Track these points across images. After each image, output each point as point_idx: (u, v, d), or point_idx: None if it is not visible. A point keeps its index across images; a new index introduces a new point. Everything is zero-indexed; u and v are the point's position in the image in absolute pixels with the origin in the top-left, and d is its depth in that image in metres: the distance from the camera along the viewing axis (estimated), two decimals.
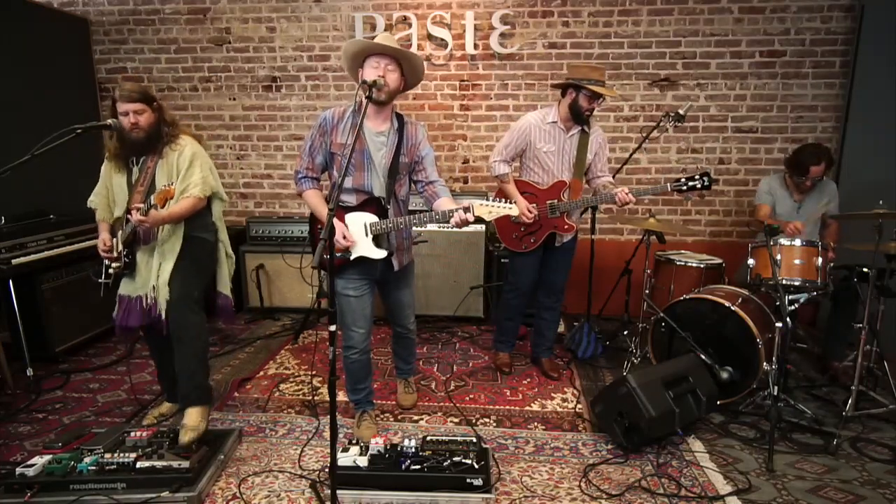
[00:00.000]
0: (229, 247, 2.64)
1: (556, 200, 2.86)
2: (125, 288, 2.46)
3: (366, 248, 2.24)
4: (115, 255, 2.42)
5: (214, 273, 2.61)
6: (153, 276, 2.38)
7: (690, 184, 2.74)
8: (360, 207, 2.25)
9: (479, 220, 2.11)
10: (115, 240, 2.43)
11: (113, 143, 2.37)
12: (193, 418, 2.30)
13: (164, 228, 2.38)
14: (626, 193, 2.70)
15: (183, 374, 2.36)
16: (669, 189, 2.79)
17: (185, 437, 2.20)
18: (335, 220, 2.18)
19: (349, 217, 2.24)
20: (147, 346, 2.65)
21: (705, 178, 2.73)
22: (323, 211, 2.29)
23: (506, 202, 2.04)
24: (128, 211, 2.35)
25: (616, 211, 4.22)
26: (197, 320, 2.37)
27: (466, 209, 2.05)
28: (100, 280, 2.47)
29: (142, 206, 2.23)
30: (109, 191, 2.45)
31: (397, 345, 2.76)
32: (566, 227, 2.90)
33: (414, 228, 2.55)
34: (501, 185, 2.94)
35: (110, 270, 2.46)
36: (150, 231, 2.38)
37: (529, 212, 2.81)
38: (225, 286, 2.63)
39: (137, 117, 2.28)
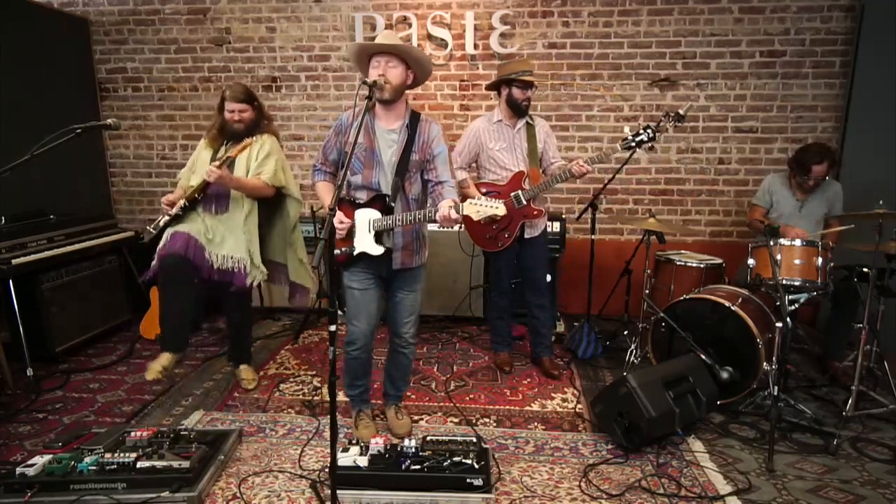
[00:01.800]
0: (304, 253, 2.99)
1: (519, 191, 2.91)
2: (175, 227, 2.70)
3: (367, 244, 2.26)
4: (172, 210, 2.68)
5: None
6: (239, 250, 2.69)
7: (638, 139, 2.75)
8: (368, 204, 2.27)
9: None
10: (181, 201, 2.69)
11: (213, 132, 2.76)
12: (251, 374, 3.04)
13: (244, 208, 2.71)
14: (581, 165, 2.76)
15: (240, 340, 3.06)
16: (620, 148, 2.81)
17: (251, 384, 2.98)
18: (339, 210, 2.26)
19: (358, 213, 2.27)
20: (167, 283, 2.67)
21: (649, 131, 2.74)
22: (327, 200, 2.34)
23: (493, 202, 2.01)
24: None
25: (616, 211, 4.22)
26: (250, 301, 3.04)
27: (452, 206, 2.04)
28: (149, 228, 2.80)
29: (218, 162, 2.57)
30: (195, 165, 2.79)
31: (391, 363, 2.61)
32: (535, 213, 2.96)
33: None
34: (462, 192, 2.99)
35: (161, 222, 2.74)
36: (222, 201, 2.72)
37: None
38: (302, 278, 3.02)
39: (242, 115, 2.70)
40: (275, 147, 2.77)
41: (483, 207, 2.01)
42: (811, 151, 3.10)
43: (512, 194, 2.91)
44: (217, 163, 2.56)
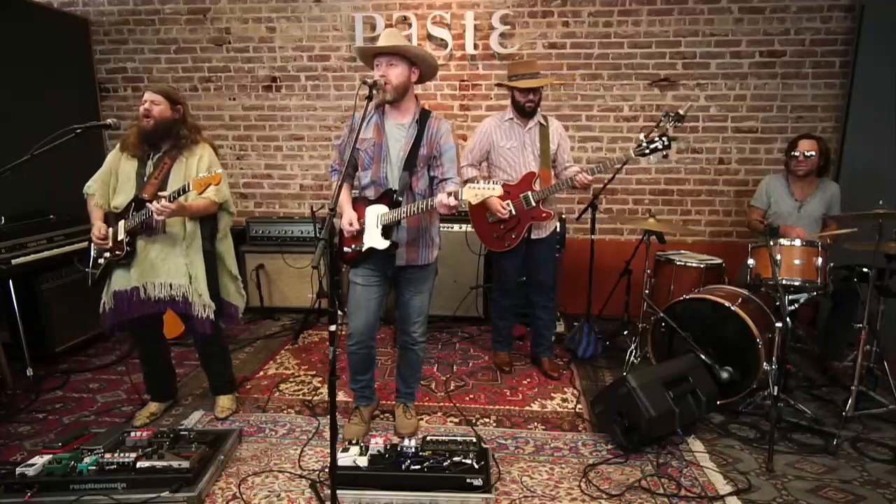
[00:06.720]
0: (235, 267, 2.66)
1: (528, 192, 2.88)
2: (119, 282, 2.44)
3: (374, 238, 2.27)
4: (111, 244, 2.42)
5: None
6: (178, 275, 2.41)
7: (652, 146, 2.74)
8: (377, 200, 2.29)
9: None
10: (111, 229, 2.44)
11: (133, 133, 2.44)
12: (226, 402, 2.73)
13: (186, 228, 2.43)
14: (584, 176, 2.76)
15: (214, 372, 2.74)
16: (634, 155, 2.79)
17: (223, 413, 2.67)
18: (351, 208, 2.32)
19: (368, 210, 2.29)
20: (135, 341, 2.67)
21: (665, 139, 2.73)
22: (347, 210, 2.33)
23: (490, 183, 1.98)
24: (136, 199, 2.38)
25: (616, 211, 4.22)
26: (220, 328, 2.66)
27: (451, 193, 2.02)
28: (87, 269, 2.53)
29: (166, 194, 2.27)
30: (112, 177, 2.48)
31: (401, 361, 2.61)
32: (544, 215, 2.93)
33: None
34: None
35: (100, 260, 2.48)
36: (159, 223, 2.40)
37: (503, 208, 2.83)
38: (230, 295, 2.66)
39: (153, 106, 2.37)
40: (214, 158, 2.50)
41: (481, 190, 1.97)
42: (799, 134, 3.26)
43: (521, 195, 2.89)
44: (165, 197, 2.25)
